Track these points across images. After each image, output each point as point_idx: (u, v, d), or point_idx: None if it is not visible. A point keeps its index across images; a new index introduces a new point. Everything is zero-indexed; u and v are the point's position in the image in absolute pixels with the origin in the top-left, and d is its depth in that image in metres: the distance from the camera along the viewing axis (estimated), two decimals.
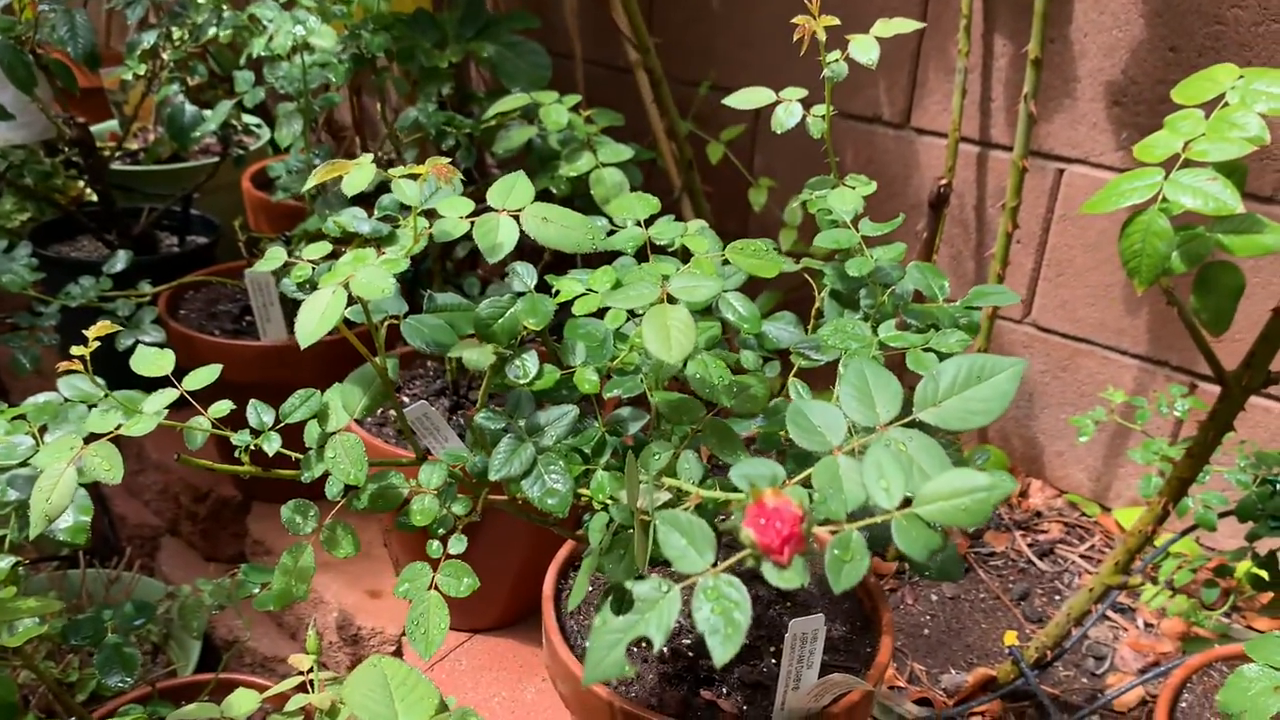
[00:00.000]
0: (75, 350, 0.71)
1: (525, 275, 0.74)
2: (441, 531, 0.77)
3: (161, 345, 0.97)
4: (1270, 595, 1.06)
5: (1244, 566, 1.05)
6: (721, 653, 0.44)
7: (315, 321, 0.59)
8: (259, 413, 0.76)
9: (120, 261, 1.32)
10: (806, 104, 0.82)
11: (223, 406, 0.74)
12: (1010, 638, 1.19)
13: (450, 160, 0.67)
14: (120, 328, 1.27)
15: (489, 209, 0.65)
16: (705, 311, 0.78)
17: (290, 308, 1.28)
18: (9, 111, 1.31)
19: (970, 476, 0.46)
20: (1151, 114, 1.21)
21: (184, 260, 1.58)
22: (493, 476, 0.69)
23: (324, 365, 1.28)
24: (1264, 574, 1.04)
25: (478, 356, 0.67)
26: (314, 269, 0.72)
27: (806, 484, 0.53)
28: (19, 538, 0.73)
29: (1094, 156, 1.27)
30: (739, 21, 1.51)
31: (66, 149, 1.57)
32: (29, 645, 1.00)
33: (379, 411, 1.24)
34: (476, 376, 1.20)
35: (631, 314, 0.77)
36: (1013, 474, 1.45)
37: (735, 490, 0.57)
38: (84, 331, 0.71)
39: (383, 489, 0.76)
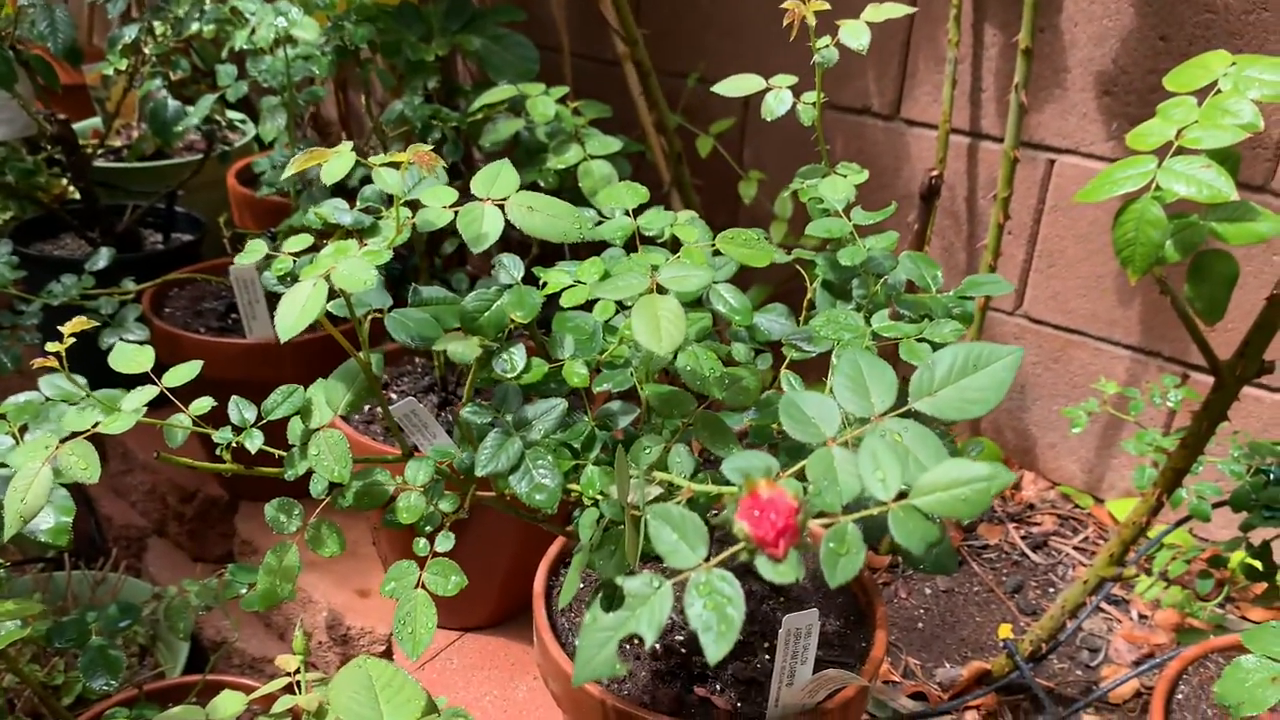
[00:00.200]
0: (51, 346, 0.69)
1: (512, 267, 0.73)
2: (428, 529, 0.76)
3: (144, 343, 0.95)
4: (1264, 586, 1.06)
5: (1238, 557, 1.04)
6: (715, 650, 0.43)
7: (296, 314, 0.58)
8: (240, 409, 0.74)
9: (103, 259, 1.30)
10: (796, 92, 0.81)
11: (204, 403, 0.72)
12: (1005, 631, 1.18)
13: (435, 151, 0.65)
14: (100, 324, 1.25)
15: (473, 198, 0.63)
16: (696, 303, 0.76)
17: (276, 304, 1.27)
18: None
19: (969, 466, 0.44)
20: (1142, 104, 1.20)
21: (168, 258, 1.56)
22: (479, 472, 0.68)
23: (310, 363, 1.27)
24: (1258, 564, 1.03)
25: (463, 349, 0.66)
26: (295, 262, 0.70)
27: (800, 477, 0.52)
28: None
29: (1085, 147, 1.26)
30: (727, 12, 1.49)
31: (49, 146, 1.54)
32: (12, 648, 0.98)
33: (366, 409, 1.23)
34: (464, 373, 1.19)
35: (621, 306, 0.76)
36: (1006, 466, 1.44)
37: (728, 484, 0.56)
38: (60, 328, 0.70)
39: (368, 486, 0.74)
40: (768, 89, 0.79)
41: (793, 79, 0.79)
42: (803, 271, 0.87)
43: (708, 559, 0.46)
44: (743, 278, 0.79)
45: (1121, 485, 1.38)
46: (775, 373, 0.79)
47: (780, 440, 0.74)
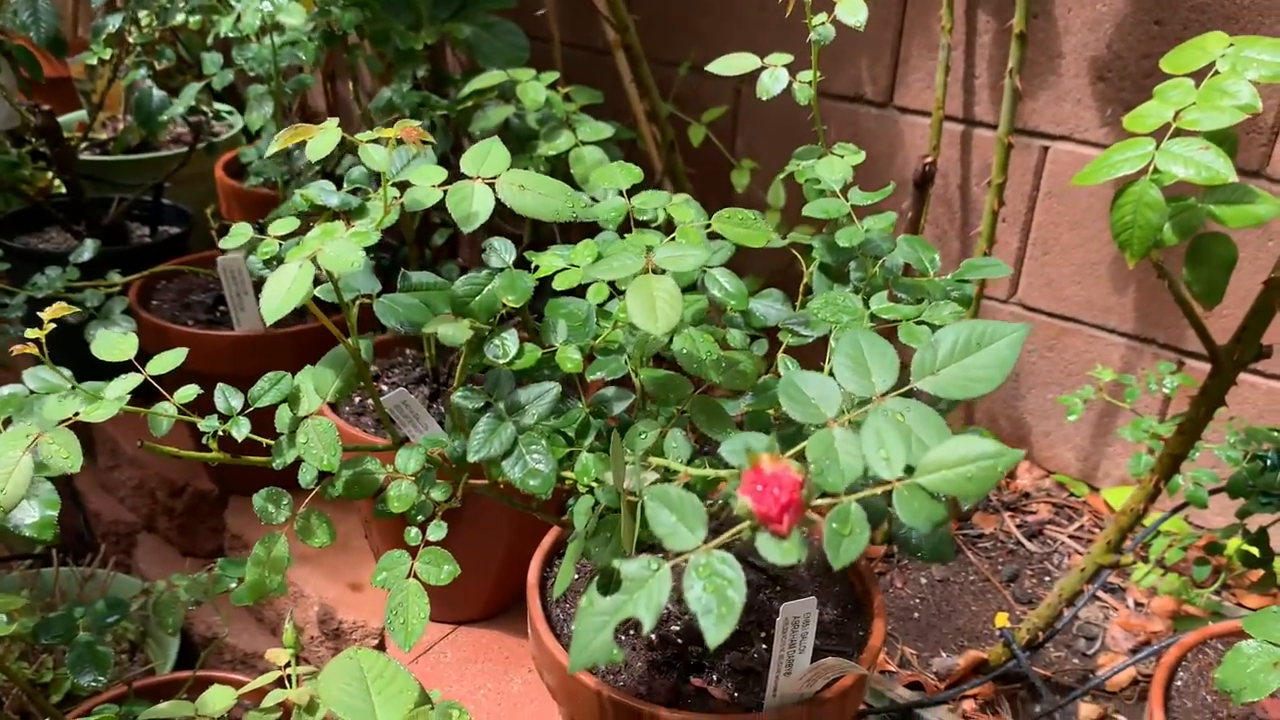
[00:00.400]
0: (31, 333, 0.67)
1: (503, 251, 0.71)
2: (420, 518, 0.75)
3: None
4: (1261, 572, 1.05)
5: (1234, 543, 1.03)
6: (715, 633, 0.42)
7: (281, 296, 0.56)
8: (227, 397, 0.72)
9: (88, 251, 1.28)
10: (791, 74, 0.79)
11: (189, 391, 0.70)
12: (1002, 619, 1.17)
13: (425, 140, 0.63)
14: (87, 317, 1.23)
15: (463, 177, 0.62)
16: (690, 288, 0.75)
17: None
18: None
19: (976, 443, 0.43)
20: (1136, 89, 1.19)
21: (156, 251, 1.54)
22: (472, 458, 0.66)
23: (300, 354, 1.24)
24: (1254, 551, 1.03)
25: (453, 331, 0.64)
26: (281, 245, 0.68)
27: (800, 459, 0.50)
28: None
29: (1079, 133, 1.25)
30: None
31: (33, 139, 1.52)
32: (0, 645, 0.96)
33: (357, 401, 1.21)
34: (456, 365, 1.17)
35: (615, 291, 0.75)
36: None
37: (726, 468, 0.55)
38: (39, 314, 0.68)
39: (358, 475, 0.73)
40: (763, 68, 0.77)
41: (788, 57, 0.78)
42: (798, 256, 0.85)
43: (707, 541, 0.45)
44: (736, 267, 0.78)
45: (1116, 473, 1.37)
46: (770, 360, 0.78)
47: (778, 427, 0.73)
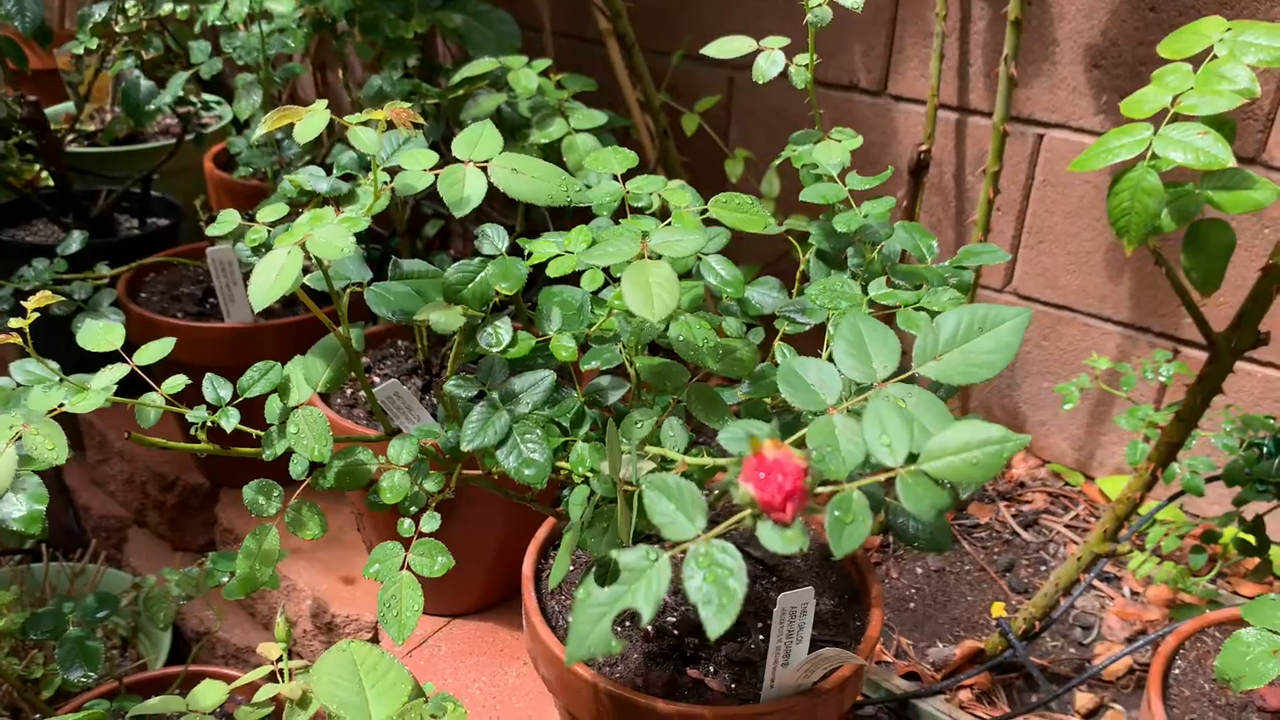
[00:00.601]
0: (14, 323, 0.65)
1: (496, 238, 0.70)
2: (413, 509, 0.74)
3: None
4: (1257, 560, 1.04)
5: (1230, 532, 1.03)
6: (716, 624, 0.41)
7: (270, 283, 0.55)
8: (215, 388, 0.71)
9: (75, 242, 1.26)
10: (787, 58, 0.78)
11: (177, 382, 0.69)
12: (998, 609, 1.17)
13: (415, 122, 0.62)
14: (74, 309, 1.21)
15: (455, 162, 0.60)
16: (685, 276, 0.74)
17: None
18: None
19: (981, 428, 0.42)
20: (1132, 76, 1.18)
21: (144, 243, 1.52)
22: (465, 447, 0.65)
23: (290, 346, 1.23)
24: (1250, 539, 1.02)
25: (446, 318, 0.63)
26: (269, 232, 0.67)
27: (799, 446, 0.50)
28: None
29: (1074, 121, 1.24)
30: None
31: (19, 130, 1.50)
32: None
33: (349, 393, 1.20)
34: (448, 356, 1.16)
35: (610, 279, 0.73)
36: None
37: (724, 456, 0.54)
38: (23, 304, 0.66)
39: (350, 466, 0.72)
40: (759, 51, 0.76)
41: (785, 40, 0.76)
42: (795, 243, 0.84)
43: (706, 530, 0.44)
44: (730, 258, 0.77)
45: (1112, 462, 1.36)
46: (766, 349, 0.77)
47: (776, 415, 0.72)
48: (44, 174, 1.63)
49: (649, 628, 0.86)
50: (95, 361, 0.71)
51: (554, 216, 1.43)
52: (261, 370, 0.71)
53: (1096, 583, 1.22)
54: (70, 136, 1.67)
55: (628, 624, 0.87)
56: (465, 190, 0.58)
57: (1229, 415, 1.04)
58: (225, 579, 1.00)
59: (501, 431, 0.65)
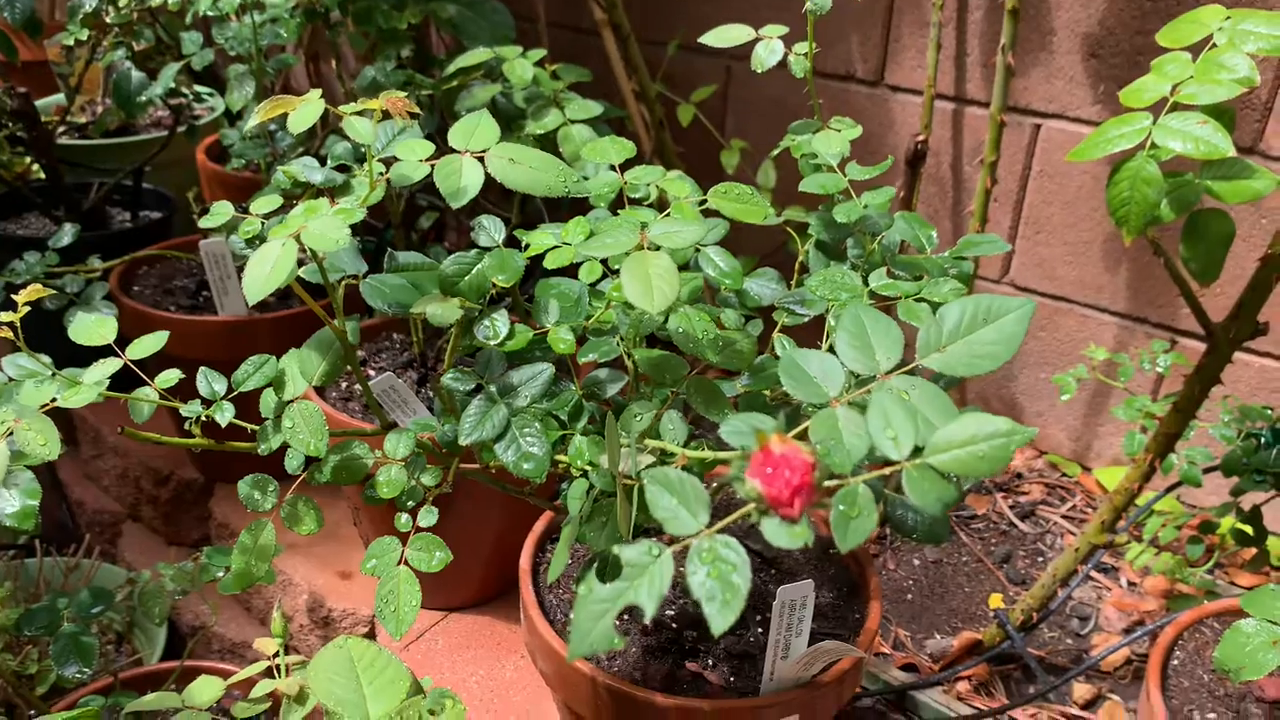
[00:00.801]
0: (4, 316, 0.64)
1: (492, 229, 0.69)
2: (410, 504, 0.73)
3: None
4: (1254, 551, 1.04)
5: (1228, 523, 1.02)
6: (720, 620, 0.40)
7: (264, 276, 0.54)
8: (210, 381, 0.70)
9: (67, 235, 1.25)
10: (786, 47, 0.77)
11: (170, 376, 0.68)
12: (995, 600, 1.16)
13: (411, 111, 0.61)
14: (66, 303, 1.20)
15: (451, 152, 0.59)
16: (682, 269, 0.73)
17: None
18: None
19: (987, 421, 0.41)
20: (1129, 66, 1.17)
21: (137, 236, 1.51)
22: (463, 441, 0.64)
23: (284, 339, 1.23)
24: (1248, 529, 1.02)
25: (442, 311, 0.62)
26: (263, 224, 0.66)
27: (801, 440, 0.49)
28: None
29: (1071, 111, 1.24)
30: None
31: (10, 123, 1.48)
32: None
33: (344, 386, 1.19)
34: (444, 349, 1.15)
35: (608, 270, 0.73)
36: None
37: (725, 449, 0.53)
38: (13, 297, 0.65)
39: (345, 460, 0.71)
40: (757, 39, 0.75)
41: (783, 28, 0.75)
42: (794, 235, 0.83)
43: (710, 525, 0.43)
44: (727, 248, 0.76)
45: (1109, 453, 1.36)
46: (764, 342, 0.77)
47: (775, 408, 0.71)
48: (35, 167, 1.61)
49: (647, 622, 0.85)
50: (88, 356, 0.70)
51: (550, 208, 1.42)
52: (256, 364, 0.70)
53: (1094, 574, 1.22)
54: (61, 129, 1.65)
55: (626, 617, 0.86)
56: (462, 180, 0.58)
57: (1226, 406, 1.03)
58: (220, 574, 0.99)
59: (500, 425, 0.64)
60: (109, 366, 0.66)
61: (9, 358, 0.71)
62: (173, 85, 1.29)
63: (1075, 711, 1.05)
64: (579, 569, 0.89)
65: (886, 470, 0.45)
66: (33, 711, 1.01)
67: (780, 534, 0.39)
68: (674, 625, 0.85)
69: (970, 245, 0.78)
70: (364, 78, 1.18)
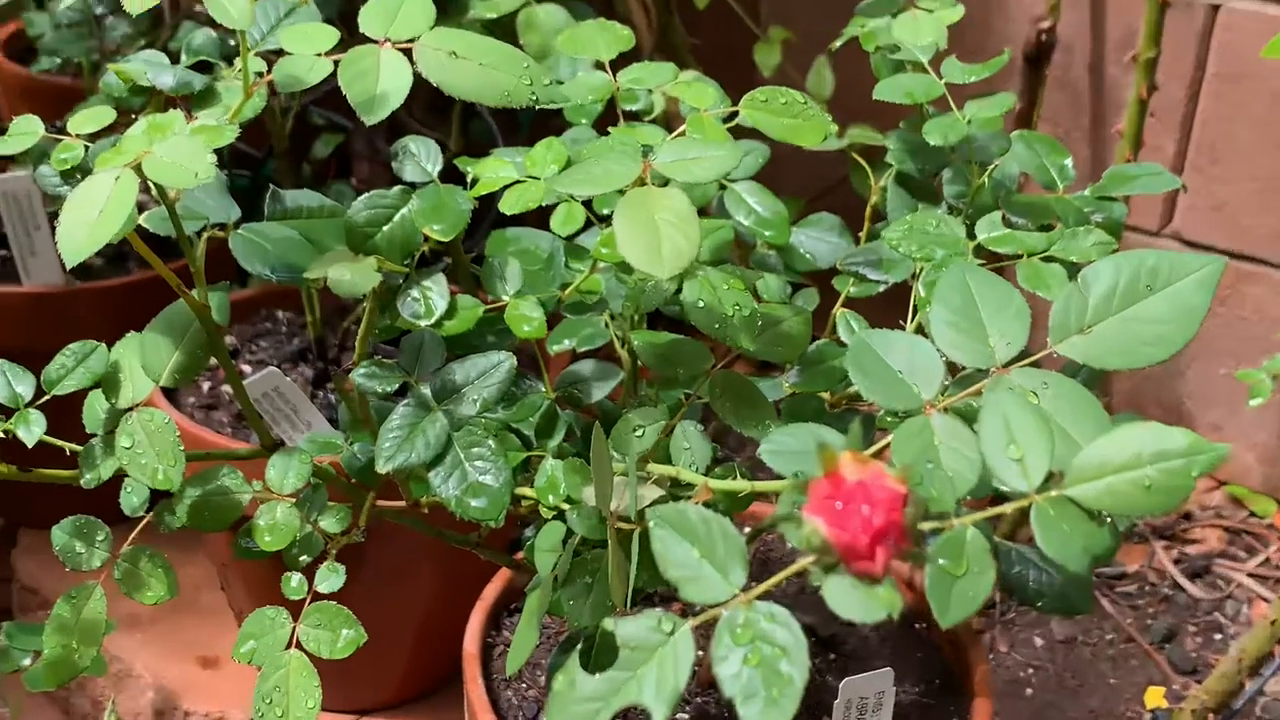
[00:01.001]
0: None
1: (424, 157, 0.70)
2: (305, 559, 0.74)
3: None
4: None
5: None
6: None
7: (89, 226, 0.55)
8: (10, 381, 0.71)
9: None
10: None
11: None
12: (1154, 697, 1.18)
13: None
14: None
15: (365, 41, 0.60)
16: (702, 213, 0.74)
17: None
18: None
19: (1158, 433, 0.42)
20: None
21: None
22: (382, 467, 0.65)
23: (119, 319, 1.23)
24: None
25: (351, 276, 0.62)
26: (87, 149, 0.67)
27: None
28: None
29: None
30: None
31: None
32: None
33: (207, 388, 1.20)
34: (353, 330, 1.16)
35: (593, 217, 0.73)
36: None
37: (769, 477, 0.53)
38: None
39: (209, 495, 0.72)
40: None
41: None
42: (861, 163, 0.85)
43: (747, 588, 0.44)
44: (764, 184, 0.77)
45: None
46: (820, 321, 0.78)
47: (840, 416, 0.72)
48: None
49: None
50: None
51: (506, 129, 1.42)
52: (78, 355, 0.70)
53: None
54: None
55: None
56: (380, 84, 0.58)
57: None
58: (27, 662, 0.99)
59: (436, 443, 0.65)
60: None
61: None
62: None
63: None
64: (552, 653, 0.89)
65: (1001, 510, 0.46)
66: None
67: (853, 599, 0.40)
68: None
69: (1121, 180, 0.79)
70: None
